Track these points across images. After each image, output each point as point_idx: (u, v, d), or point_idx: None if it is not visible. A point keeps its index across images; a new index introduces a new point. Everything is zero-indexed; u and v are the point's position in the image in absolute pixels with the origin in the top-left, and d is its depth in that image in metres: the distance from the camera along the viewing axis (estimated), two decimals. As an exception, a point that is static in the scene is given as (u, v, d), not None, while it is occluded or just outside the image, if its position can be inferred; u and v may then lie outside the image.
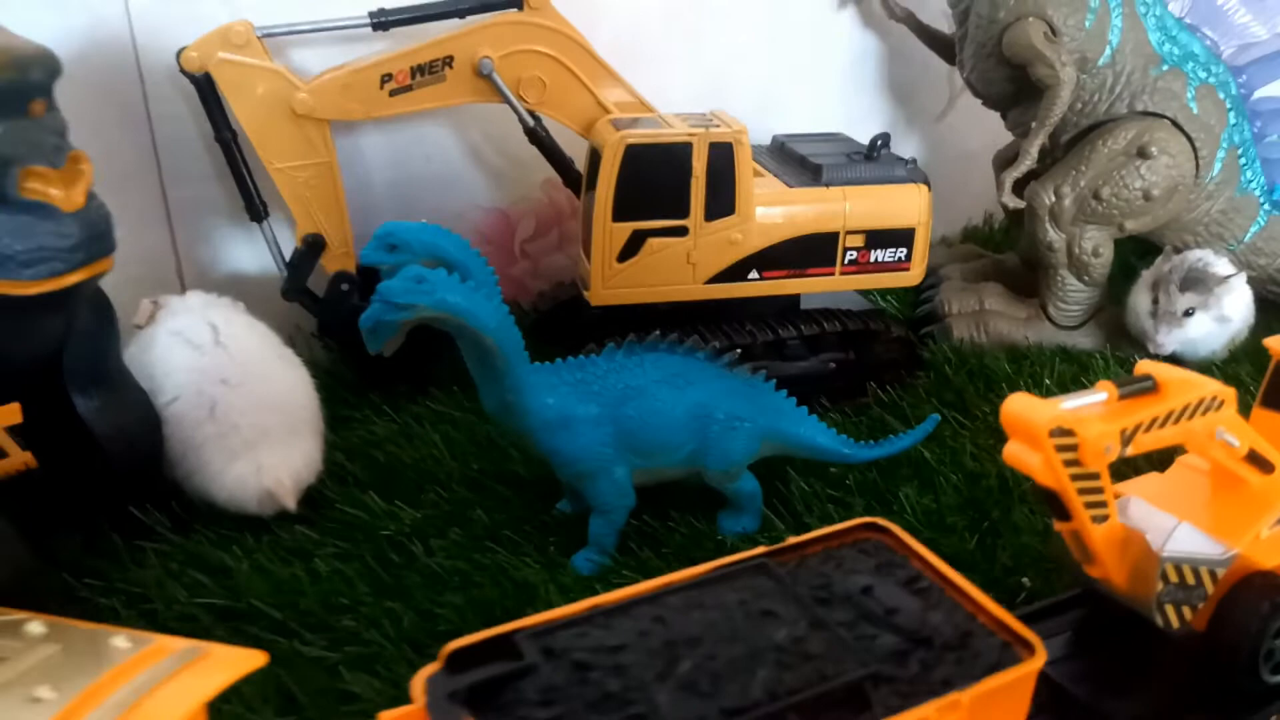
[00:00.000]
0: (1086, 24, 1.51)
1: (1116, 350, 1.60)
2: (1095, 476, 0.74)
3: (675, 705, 0.61)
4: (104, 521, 1.12)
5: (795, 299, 1.48)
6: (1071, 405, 0.74)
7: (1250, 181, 1.62)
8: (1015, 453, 0.74)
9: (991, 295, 1.68)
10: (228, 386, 1.13)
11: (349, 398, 1.43)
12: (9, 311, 0.88)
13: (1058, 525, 0.79)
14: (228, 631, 1.01)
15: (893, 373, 1.49)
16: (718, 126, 1.32)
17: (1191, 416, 0.77)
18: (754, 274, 1.39)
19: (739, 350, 1.21)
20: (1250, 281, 1.66)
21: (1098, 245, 1.58)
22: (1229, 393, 0.79)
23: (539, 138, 1.43)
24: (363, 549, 1.13)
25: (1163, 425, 0.76)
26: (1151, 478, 0.92)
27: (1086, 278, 1.60)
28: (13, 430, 1.07)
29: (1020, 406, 0.73)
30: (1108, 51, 1.53)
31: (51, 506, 1.10)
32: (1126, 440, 0.74)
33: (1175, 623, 0.80)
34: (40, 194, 0.83)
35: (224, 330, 1.18)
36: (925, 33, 1.78)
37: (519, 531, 1.18)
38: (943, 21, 1.76)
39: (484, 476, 1.27)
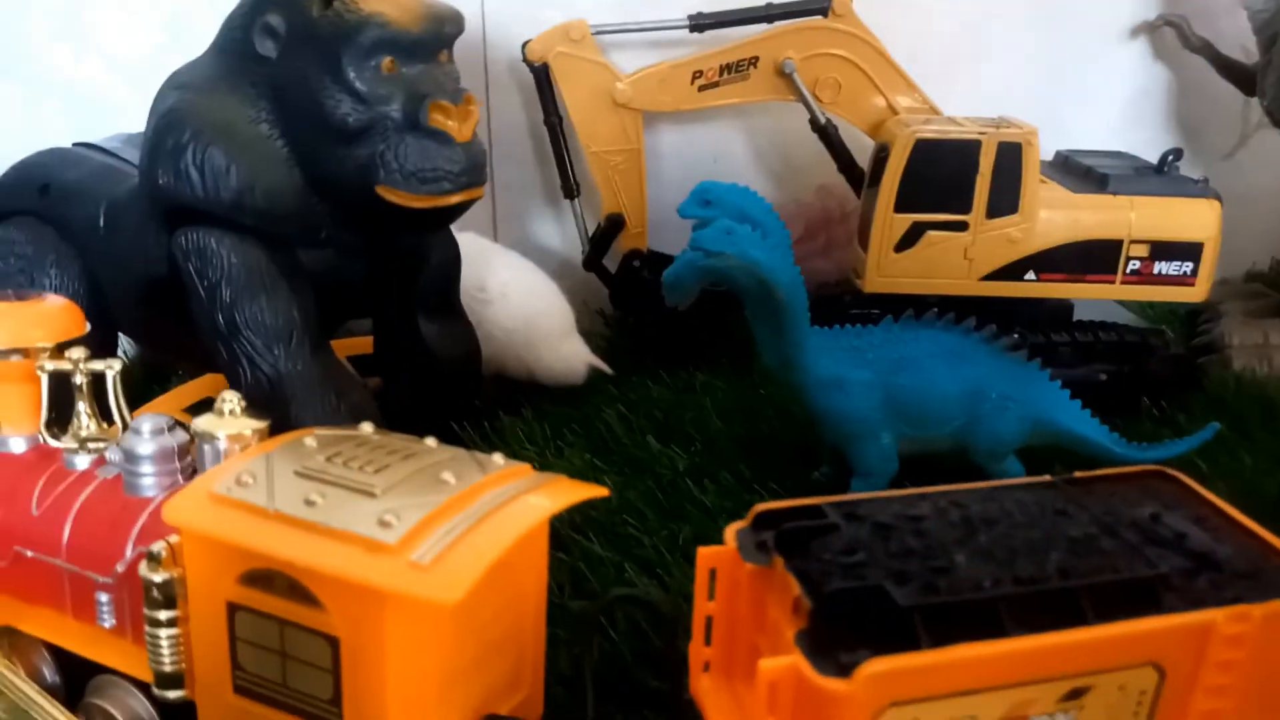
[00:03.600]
0: None
1: None
2: None
3: (973, 566, 0.67)
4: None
5: (1068, 306, 1.49)
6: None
7: None
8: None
9: (1275, 330, 1.61)
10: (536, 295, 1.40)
11: (629, 364, 1.57)
12: (397, 222, 1.07)
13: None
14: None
15: (1166, 391, 1.47)
16: (1008, 128, 1.37)
17: None
18: (1031, 275, 1.42)
19: (1018, 334, 1.24)
20: None
21: (1406, 281, 1.49)
22: None
23: (829, 135, 1.53)
24: (646, 480, 1.26)
25: None
26: None
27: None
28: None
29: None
30: None
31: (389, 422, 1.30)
32: None
33: None
34: (441, 124, 1.02)
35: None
36: (1222, 63, 1.75)
37: (782, 484, 1.27)
38: (1240, 54, 1.73)
39: (747, 437, 1.37)
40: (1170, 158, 1.44)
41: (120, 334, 1.30)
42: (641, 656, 0.92)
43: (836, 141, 1.54)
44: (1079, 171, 1.49)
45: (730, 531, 0.75)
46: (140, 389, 1.40)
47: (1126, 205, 1.40)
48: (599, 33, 1.50)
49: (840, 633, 0.65)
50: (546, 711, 0.84)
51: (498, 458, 0.76)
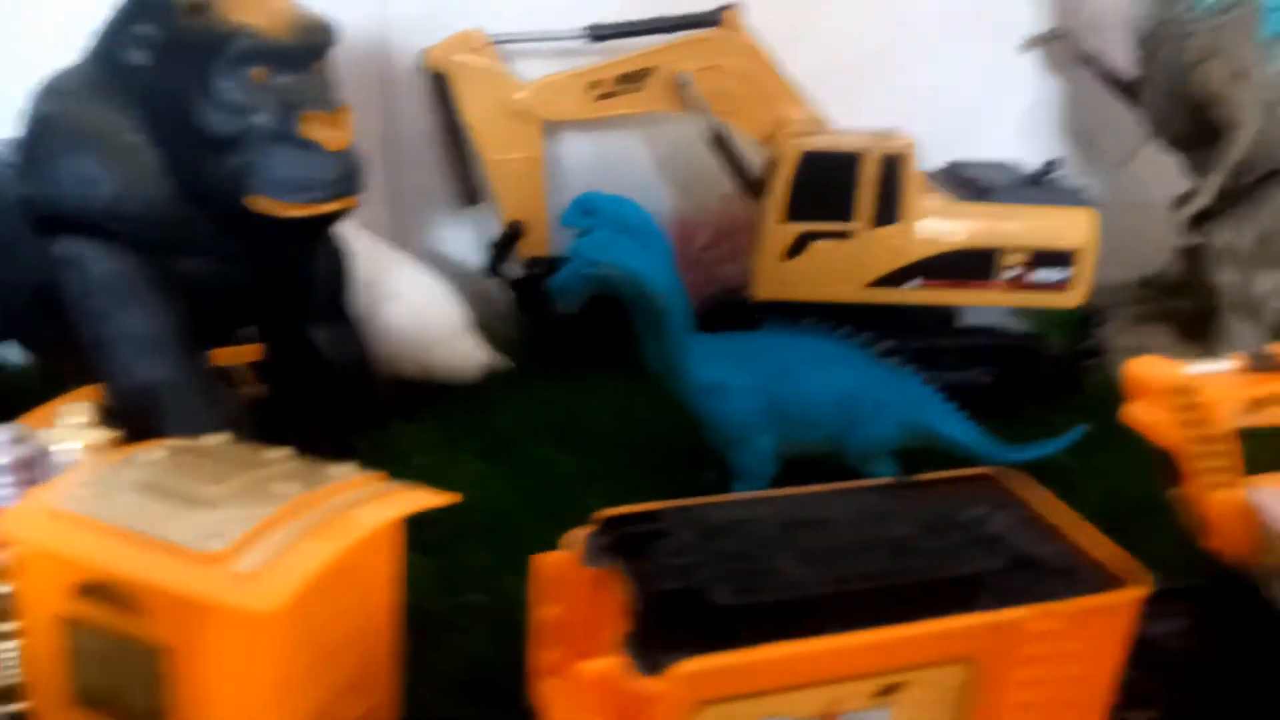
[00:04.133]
0: (1274, 67, 1.52)
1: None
2: (1218, 440, 0.79)
3: (796, 567, 0.70)
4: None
5: (954, 313, 1.54)
6: (1202, 369, 0.79)
7: None
8: (1134, 412, 0.79)
9: (1158, 336, 1.68)
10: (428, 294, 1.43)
11: (532, 367, 1.58)
12: (272, 231, 1.08)
13: (1172, 492, 0.83)
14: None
15: (1048, 394, 1.52)
16: (890, 140, 1.41)
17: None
18: (915, 282, 1.46)
19: (891, 342, 1.28)
20: None
21: (1275, 289, 1.56)
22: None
23: (725, 145, 1.56)
24: (533, 483, 1.28)
25: (1297, 400, 0.80)
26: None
27: (1260, 322, 1.58)
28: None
29: (1144, 365, 0.79)
30: (1297, 95, 1.53)
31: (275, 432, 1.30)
32: (1256, 408, 0.78)
33: (1289, 598, 0.82)
34: (313, 134, 1.02)
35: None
36: (1109, 76, 1.81)
37: (670, 487, 1.28)
38: (1130, 66, 1.79)
39: (641, 439, 1.39)
40: (1048, 166, 1.49)
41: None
42: (494, 660, 0.94)
43: (733, 151, 1.57)
44: (963, 181, 1.54)
45: (569, 537, 0.78)
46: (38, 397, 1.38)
47: (1005, 214, 1.45)
48: (499, 42, 1.51)
49: (664, 634, 0.67)
50: (407, 715, 0.85)
51: (344, 468, 0.77)
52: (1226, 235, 1.57)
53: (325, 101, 1.05)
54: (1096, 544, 0.77)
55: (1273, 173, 1.57)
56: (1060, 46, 1.86)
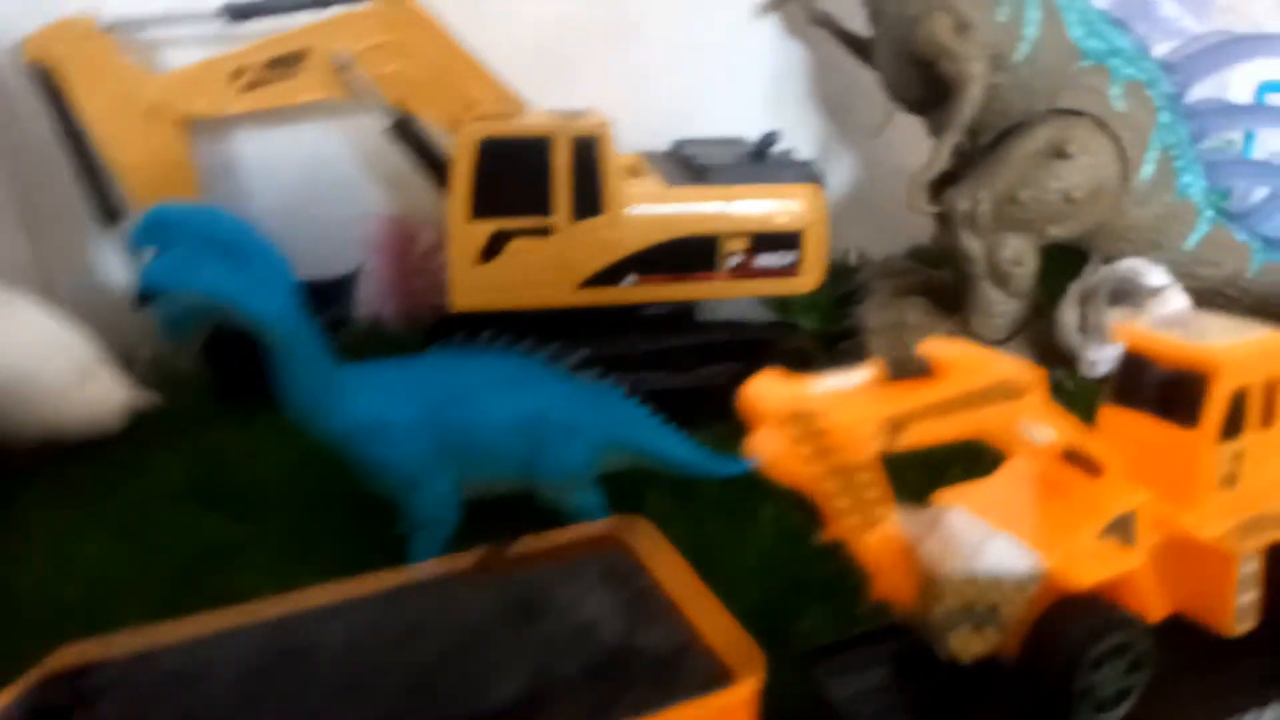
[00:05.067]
0: (999, 17, 1.42)
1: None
2: (858, 471, 0.64)
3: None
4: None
5: (689, 308, 1.38)
6: (827, 386, 0.64)
7: (1189, 185, 1.51)
8: (756, 445, 0.64)
9: (913, 310, 1.57)
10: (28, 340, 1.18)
11: (192, 405, 1.35)
12: None
13: (821, 536, 0.68)
14: None
15: (789, 387, 1.38)
16: (582, 121, 1.24)
17: (980, 405, 0.66)
18: (631, 278, 1.30)
19: (585, 352, 1.11)
20: (1195, 293, 1.54)
21: (1019, 253, 1.47)
22: (1031, 378, 0.69)
23: (409, 134, 1.36)
24: (166, 560, 1.05)
25: (944, 414, 0.65)
26: (987, 482, 0.81)
27: (1009, 289, 1.49)
28: None
29: (760, 387, 0.63)
30: (1024, 46, 1.43)
31: None
32: (894, 429, 0.64)
33: (964, 653, 0.68)
34: None
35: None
36: (845, 37, 1.69)
37: (348, 548, 1.08)
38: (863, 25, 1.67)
39: (314, 495, 1.18)
40: (767, 141, 1.35)
41: None
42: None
43: (421, 144, 1.37)
44: (682, 162, 1.38)
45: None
46: None
47: (721, 196, 1.30)
48: (117, 26, 1.26)
49: None
50: None
51: None
52: (965, 202, 1.47)
53: None
54: (714, 620, 0.61)
55: (1007, 131, 1.48)
56: (795, 9, 1.73)
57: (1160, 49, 1.50)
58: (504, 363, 1.06)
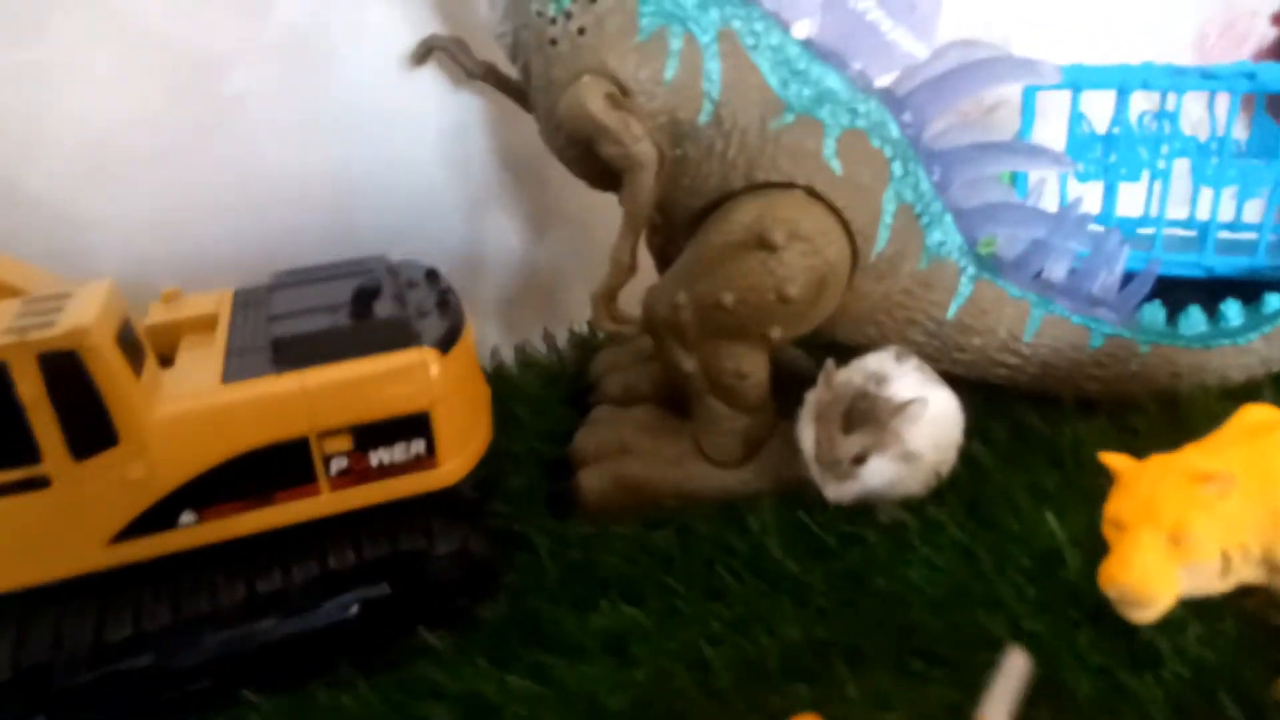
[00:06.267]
0: (667, 75, 1.09)
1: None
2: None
3: None
4: None
5: (301, 529, 1.02)
6: None
7: (941, 244, 1.21)
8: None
9: (635, 428, 1.25)
10: None
11: None
12: None
13: None
14: None
15: (455, 601, 1.05)
16: (54, 323, 0.86)
17: None
18: (188, 517, 0.94)
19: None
20: (964, 367, 1.26)
21: (740, 365, 1.15)
22: None
23: None
24: None
25: None
26: None
27: (735, 404, 1.18)
28: None
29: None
30: (707, 106, 1.10)
31: None
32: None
33: None
34: None
35: None
36: (506, 86, 1.34)
37: None
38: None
39: None
40: (369, 291, 0.99)
41: None
42: None
43: None
44: (259, 326, 1.02)
45: None
46: None
47: (297, 385, 0.93)
48: None
49: None
50: None
51: None
52: (663, 309, 1.14)
53: None
54: None
55: (705, 212, 1.15)
56: (449, 58, 1.36)
57: (884, 81, 1.18)
58: None
